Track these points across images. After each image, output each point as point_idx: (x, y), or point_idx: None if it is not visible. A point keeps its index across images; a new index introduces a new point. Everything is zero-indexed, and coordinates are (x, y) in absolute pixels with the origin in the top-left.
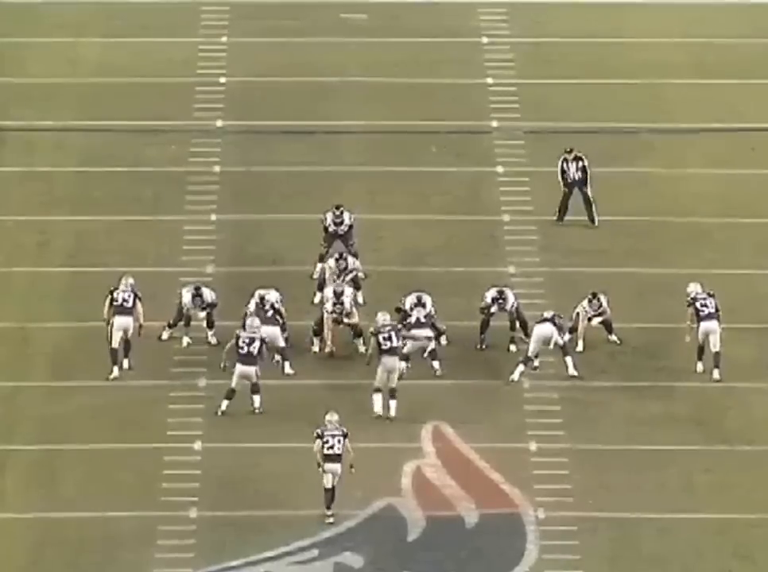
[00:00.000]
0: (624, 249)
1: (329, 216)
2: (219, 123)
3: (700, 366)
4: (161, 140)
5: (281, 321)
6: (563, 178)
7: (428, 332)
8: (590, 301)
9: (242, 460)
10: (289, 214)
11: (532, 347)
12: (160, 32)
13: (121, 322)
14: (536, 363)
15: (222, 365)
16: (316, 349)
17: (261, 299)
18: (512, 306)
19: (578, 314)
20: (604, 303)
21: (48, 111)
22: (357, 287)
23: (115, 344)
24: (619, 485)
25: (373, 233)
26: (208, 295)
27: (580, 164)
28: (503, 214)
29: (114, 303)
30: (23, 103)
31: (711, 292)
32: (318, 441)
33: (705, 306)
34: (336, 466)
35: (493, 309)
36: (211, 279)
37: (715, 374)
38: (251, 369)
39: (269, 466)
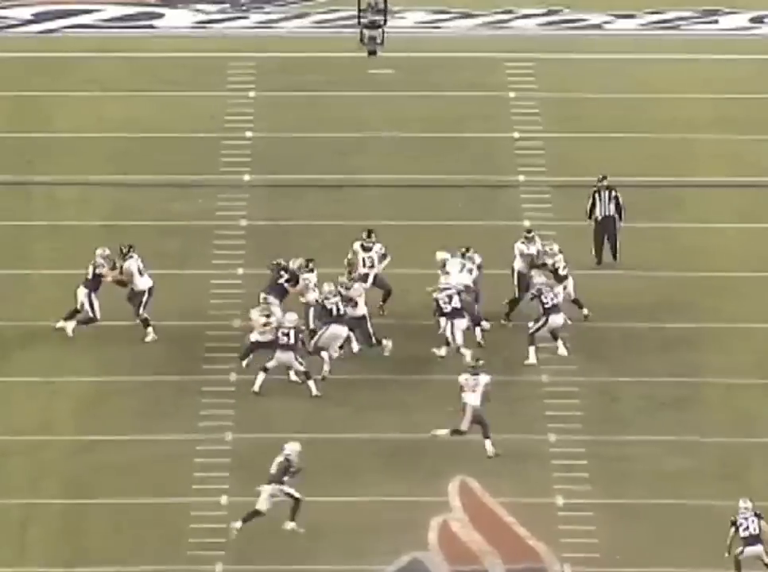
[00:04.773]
0: (651, 304)
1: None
2: (246, 177)
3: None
4: (188, 194)
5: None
6: (591, 211)
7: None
8: None
9: (269, 514)
10: (316, 269)
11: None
12: (187, 86)
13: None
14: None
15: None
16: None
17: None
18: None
19: None
20: None
21: (74, 166)
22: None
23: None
24: (646, 539)
25: (399, 286)
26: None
27: (612, 193)
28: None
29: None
30: (49, 158)
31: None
32: (732, 528)
33: (554, 298)
34: (757, 548)
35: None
36: (238, 333)
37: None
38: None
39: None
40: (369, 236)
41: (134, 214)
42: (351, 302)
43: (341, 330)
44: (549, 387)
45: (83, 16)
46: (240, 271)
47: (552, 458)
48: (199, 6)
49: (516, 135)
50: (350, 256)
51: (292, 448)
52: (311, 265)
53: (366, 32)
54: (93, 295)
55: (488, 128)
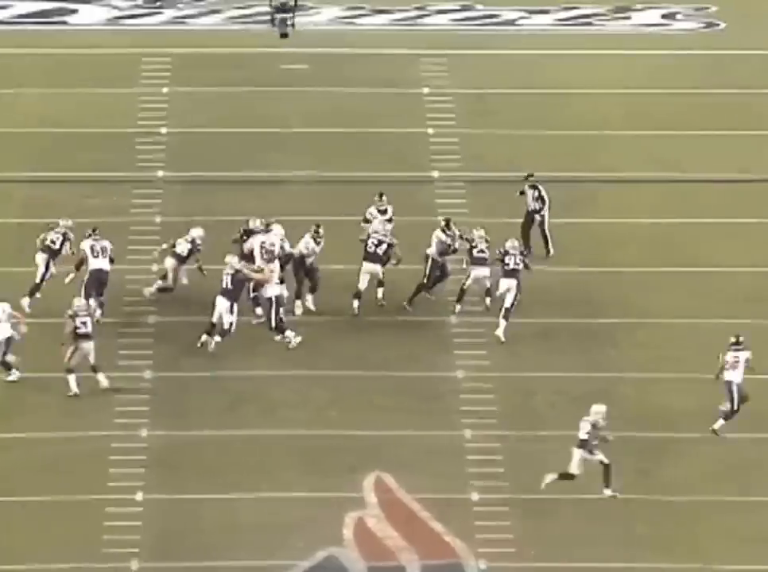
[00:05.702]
0: (566, 298)
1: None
2: (160, 173)
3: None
4: (103, 190)
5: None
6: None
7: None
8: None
9: (184, 511)
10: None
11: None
12: (100, 83)
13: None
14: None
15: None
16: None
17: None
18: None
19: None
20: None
21: None
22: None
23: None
24: (561, 535)
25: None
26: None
27: (536, 193)
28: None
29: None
30: None
31: (524, 252)
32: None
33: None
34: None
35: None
36: (153, 330)
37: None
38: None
39: (210, 517)
40: (381, 198)
41: (49, 210)
42: (249, 281)
43: (220, 303)
44: (465, 383)
45: None
46: (155, 267)
47: (468, 454)
48: (113, 2)
49: (430, 131)
50: (363, 222)
51: (598, 409)
52: (267, 228)
53: (278, 14)
54: (51, 262)
55: (403, 124)
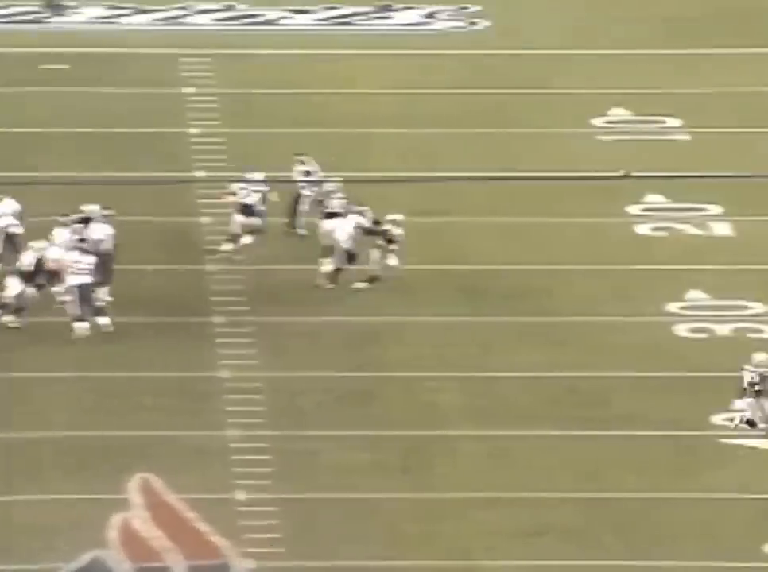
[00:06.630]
0: (332, 297)
1: None
2: None
3: None
4: None
5: None
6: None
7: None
8: None
9: None
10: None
11: None
12: None
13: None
14: None
15: None
16: None
17: None
18: None
19: None
20: None
21: None
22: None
23: None
24: (329, 533)
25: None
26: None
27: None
28: (207, 263)
29: None
30: None
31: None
32: None
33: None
34: None
35: None
36: None
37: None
38: None
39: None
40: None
41: None
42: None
43: (14, 284)
44: (231, 382)
45: None
46: None
47: (234, 454)
48: None
49: (194, 131)
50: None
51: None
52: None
53: None
54: None
55: (166, 124)
